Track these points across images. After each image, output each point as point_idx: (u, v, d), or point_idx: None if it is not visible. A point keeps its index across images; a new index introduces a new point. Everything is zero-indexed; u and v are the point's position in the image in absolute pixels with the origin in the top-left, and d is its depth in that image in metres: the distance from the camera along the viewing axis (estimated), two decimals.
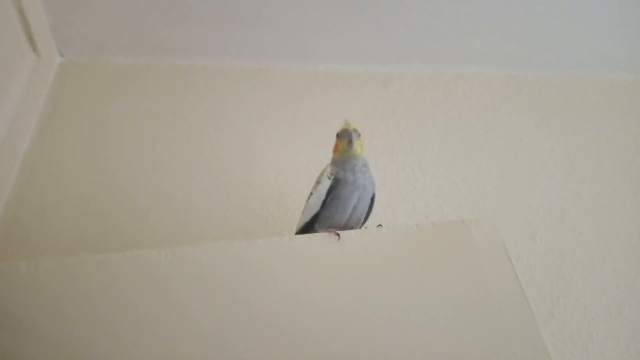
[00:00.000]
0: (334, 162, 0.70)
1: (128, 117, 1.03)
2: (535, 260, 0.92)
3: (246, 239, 0.85)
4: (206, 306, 0.59)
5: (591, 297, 0.89)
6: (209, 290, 0.60)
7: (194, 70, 1.12)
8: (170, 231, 0.87)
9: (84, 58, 1.11)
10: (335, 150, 0.72)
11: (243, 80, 1.12)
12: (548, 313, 0.86)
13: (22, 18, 0.97)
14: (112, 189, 0.92)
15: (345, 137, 0.70)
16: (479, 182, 1.00)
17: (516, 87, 1.19)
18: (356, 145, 0.69)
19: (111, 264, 0.62)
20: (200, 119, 1.04)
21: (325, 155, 1.01)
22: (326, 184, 0.68)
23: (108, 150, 0.98)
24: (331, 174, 0.69)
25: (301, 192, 0.95)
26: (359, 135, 0.70)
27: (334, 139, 1.03)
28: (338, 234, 0.63)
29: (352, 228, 0.68)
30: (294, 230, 0.74)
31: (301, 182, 0.97)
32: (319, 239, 0.64)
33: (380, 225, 0.66)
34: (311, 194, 0.71)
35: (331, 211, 0.68)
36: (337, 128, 1.06)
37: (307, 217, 0.70)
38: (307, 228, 0.70)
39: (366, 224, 0.72)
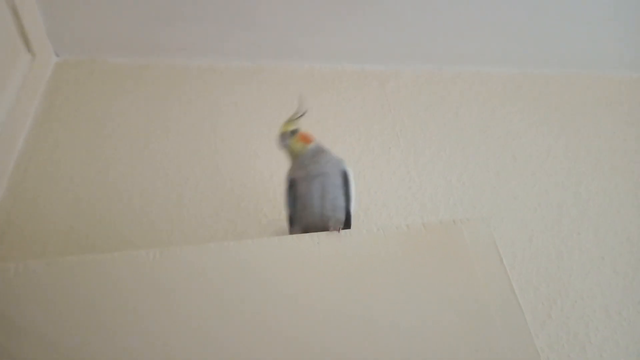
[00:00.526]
0: (290, 166, 0.72)
1: (123, 116, 1.03)
2: (532, 261, 0.91)
3: (240, 240, 0.85)
4: (198, 306, 0.59)
5: (589, 298, 0.88)
6: (201, 291, 0.60)
7: (189, 70, 1.12)
8: (163, 231, 0.86)
9: (79, 58, 1.11)
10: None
11: (238, 80, 1.12)
12: (545, 314, 0.85)
13: (16, 18, 0.97)
14: (106, 189, 0.92)
15: (278, 146, 0.72)
16: (475, 182, 0.99)
17: (514, 86, 1.18)
18: (292, 143, 0.70)
19: (101, 264, 0.62)
20: (195, 119, 1.04)
21: None
22: (285, 188, 0.71)
23: (103, 150, 0.98)
24: (287, 178, 0.71)
25: None
26: (292, 132, 0.71)
27: (330, 140, 1.03)
28: (339, 230, 0.64)
29: (330, 217, 0.67)
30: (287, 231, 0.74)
31: None
32: (310, 239, 0.64)
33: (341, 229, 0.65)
34: None
35: (300, 210, 0.68)
36: (334, 128, 1.06)
37: (287, 222, 0.72)
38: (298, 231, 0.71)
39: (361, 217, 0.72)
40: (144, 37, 1.11)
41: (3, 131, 0.94)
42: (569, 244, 0.94)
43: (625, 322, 0.86)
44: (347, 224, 0.69)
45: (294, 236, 0.65)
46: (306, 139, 0.71)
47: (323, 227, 0.65)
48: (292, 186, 0.69)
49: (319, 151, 0.70)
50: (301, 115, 0.73)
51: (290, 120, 0.72)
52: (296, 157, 0.70)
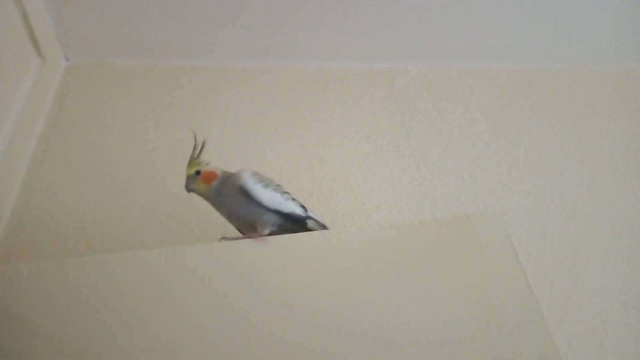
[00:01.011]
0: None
1: (133, 119, 1.04)
2: (546, 257, 0.90)
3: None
4: (207, 307, 0.58)
5: (606, 293, 0.87)
6: (210, 291, 0.59)
7: (197, 71, 1.12)
8: (173, 232, 0.86)
9: (88, 61, 1.11)
10: None
11: (246, 80, 1.11)
12: (562, 311, 0.84)
13: (26, 22, 0.98)
14: (116, 191, 0.92)
15: (187, 190, 0.71)
16: (487, 178, 0.98)
17: (524, 81, 1.16)
18: (197, 186, 0.70)
19: (111, 264, 0.62)
20: (203, 120, 1.04)
21: (328, 153, 1.00)
22: None
23: (113, 152, 0.98)
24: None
25: (304, 192, 0.94)
26: (197, 173, 0.71)
27: (338, 138, 1.03)
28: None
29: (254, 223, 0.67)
30: None
31: (304, 181, 0.96)
32: (321, 236, 0.63)
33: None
34: None
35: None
36: (343, 126, 1.06)
37: None
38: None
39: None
40: (151, 39, 1.11)
41: (15, 135, 0.94)
42: (584, 239, 0.92)
43: None
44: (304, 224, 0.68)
45: (306, 233, 0.65)
46: (209, 179, 0.70)
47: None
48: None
49: (222, 184, 0.69)
50: (200, 151, 0.72)
51: (192, 161, 0.72)
52: (207, 198, 0.70)
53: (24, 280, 0.61)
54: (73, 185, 0.93)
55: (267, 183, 0.69)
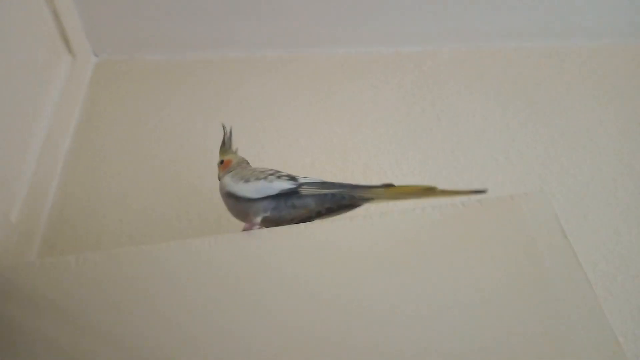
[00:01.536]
0: None
1: (164, 112, 1.05)
2: (588, 238, 0.87)
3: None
4: (260, 292, 0.58)
5: None
6: (260, 277, 0.59)
7: (226, 63, 1.13)
8: (211, 221, 0.87)
9: (118, 57, 1.13)
10: None
11: (274, 70, 1.11)
12: (606, 291, 0.82)
13: (56, 20, 0.99)
14: (152, 183, 0.94)
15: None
16: (523, 159, 0.96)
17: (557, 59, 1.13)
18: (219, 175, 0.75)
19: (156, 253, 0.63)
20: (235, 111, 1.04)
21: (359, 140, 1.00)
22: None
23: (146, 146, 0.99)
24: None
25: (337, 178, 0.93)
26: (221, 163, 0.76)
27: (368, 124, 1.02)
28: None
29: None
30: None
31: (337, 168, 0.95)
32: (359, 222, 0.63)
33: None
34: None
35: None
36: (373, 112, 1.05)
37: None
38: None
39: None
40: (179, 33, 1.12)
41: (50, 132, 0.96)
42: (627, 218, 0.89)
43: None
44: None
45: (346, 219, 0.64)
46: (224, 168, 0.75)
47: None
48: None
49: (224, 179, 0.73)
50: (226, 142, 0.77)
51: (221, 151, 0.77)
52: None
53: (73, 271, 0.62)
54: (109, 178, 0.95)
55: (247, 177, 0.69)
